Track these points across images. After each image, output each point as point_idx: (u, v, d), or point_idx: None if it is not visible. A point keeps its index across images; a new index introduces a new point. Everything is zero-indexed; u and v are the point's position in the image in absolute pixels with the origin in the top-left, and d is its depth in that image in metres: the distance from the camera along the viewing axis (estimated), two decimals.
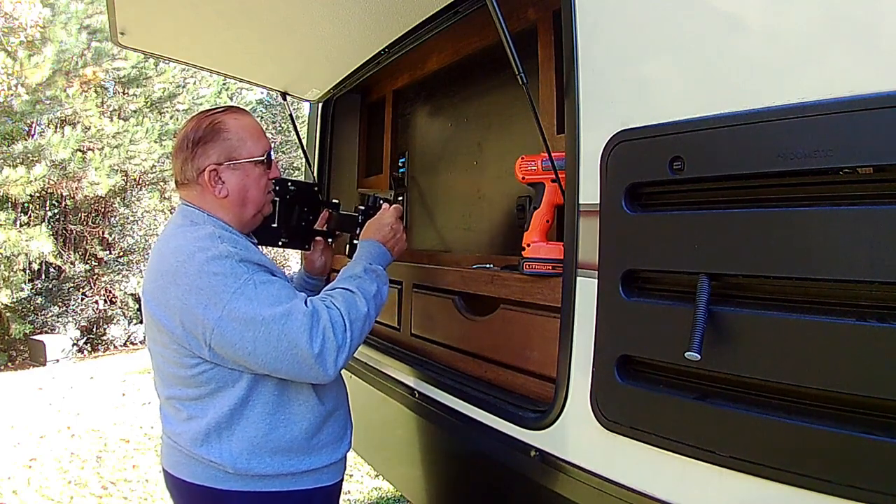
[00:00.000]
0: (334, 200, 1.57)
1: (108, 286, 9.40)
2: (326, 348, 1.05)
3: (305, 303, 1.08)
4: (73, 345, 8.41)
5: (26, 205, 8.88)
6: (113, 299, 9.55)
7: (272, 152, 1.25)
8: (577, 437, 1.00)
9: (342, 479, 1.27)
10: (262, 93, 14.30)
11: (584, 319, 0.97)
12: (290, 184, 1.42)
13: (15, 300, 7.95)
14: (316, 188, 1.49)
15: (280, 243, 1.43)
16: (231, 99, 11.81)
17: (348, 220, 1.47)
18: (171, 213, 11.73)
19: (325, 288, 1.18)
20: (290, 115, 2.24)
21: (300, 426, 1.15)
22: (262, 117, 14.53)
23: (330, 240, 1.54)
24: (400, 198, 1.47)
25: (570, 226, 1.01)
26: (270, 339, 1.02)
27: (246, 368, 1.09)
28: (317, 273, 1.52)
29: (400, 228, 1.33)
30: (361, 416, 1.47)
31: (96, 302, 9.24)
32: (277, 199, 1.31)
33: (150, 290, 1.13)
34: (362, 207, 1.45)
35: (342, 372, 1.23)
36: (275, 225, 1.37)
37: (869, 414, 0.65)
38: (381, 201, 1.42)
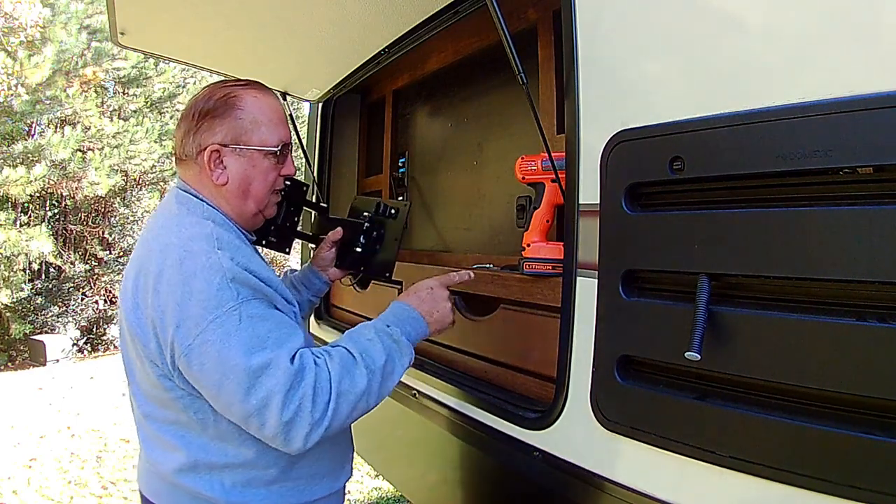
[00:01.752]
0: (322, 204, 1.47)
1: (108, 286, 9.40)
2: (298, 420, 0.86)
3: (294, 358, 0.88)
4: (73, 345, 8.41)
5: (26, 205, 8.88)
6: (113, 299, 9.54)
7: (290, 146, 1.08)
8: (578, 437, 1.00)
9: None
10: None
11: (584, 319, 0.97)
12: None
13: (15, 300, 7.95)
14: (305, 188, 1.35)
15: (264, 242, 1.28)
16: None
17: (352, 228, 1.33)
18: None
19: (334, 341, 0.99)
20: (290, 115, 2.24)
21: (298, 455, 0.97)
22: None
23: (312, 245, 1.41)
24: (408, 202, 1.32)
25: (570, 226, 1.01)
26: (237, 390, 0.85)
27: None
28: (326, 266, 1.35)
29: (443, 295, 1.08)
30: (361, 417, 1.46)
31: (96, 302, 9.24)
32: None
33: (129, 289, 0.97)
34: (367, 214, 1.33)
35: None
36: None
37: (869, 414, 0.65)
38: (392, 209, 1.30)
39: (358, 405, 0.92)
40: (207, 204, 1.01)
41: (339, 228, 1.35)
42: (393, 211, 1.31)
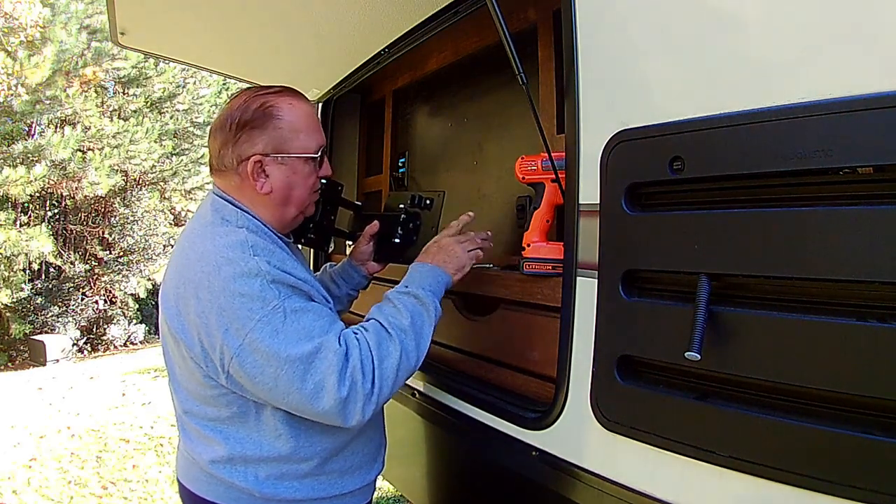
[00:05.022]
0: (357, 202, 1.50)
1: (108, 286, 9.40)
2: (353, 393, 0.91)
3: (339, 340, 0.95)
4: (73, 345, 8.41)
5: (26, 205, 8.88)
6: (113, 299, 9.55)
7: (326, 148, 1.12)
8: (578, 437, 1.00)
9: (371, 500, 1.19)
10: None
11: (584, 319, 0.97)
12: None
13: (15, 300, 7.95)
14: (340, 187, 1.39)
15: (303, 240, 1.31)
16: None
17: (389, 221, 1.36)
18: (172, 212, 11.51)
19: (367, 316, 1.05)
20: None
21: (332, 449, 1.05)
22: None
23: (349, 242, 1.45)
24: (443, 192, 1.37)
25: (570, 226, 1.01)
26: (294, 378, 0.90)
27: (263, 401, 0.98)
28: (364, 260, 1.39)
29: (450, 242, 1.14)
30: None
31: (96, 302, 9.24)
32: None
33: (170, 296, 1.00)
34: (402, 207, 1.36)
35: None
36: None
37: (869, 414, 0.65)
38: (427, 200, 1.33)
39: (400, 367, 0.97)
40: (244, 211, 1.03)
41: (375, 222, 1.38)
42: (428, 201, 1.34)
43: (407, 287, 1.06)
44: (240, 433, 1.01)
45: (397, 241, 1.32)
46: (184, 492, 1.12)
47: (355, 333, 0.97)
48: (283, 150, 1.03)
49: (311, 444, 1.03)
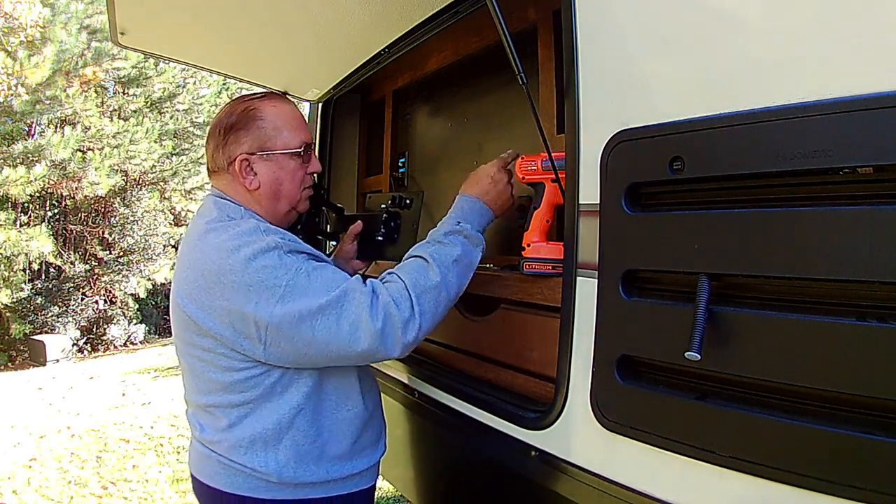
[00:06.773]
0: (339, 205, 1.55)
1: (108, 286, 9.41)
2: (389, 324, 0.97)
3: (364, 282, 1.02)
4: (73, 345, 8.41)
5: (26, 205, 8.88)
6: (113, 299, 9.55)
7: (312, 145, 1.18)
8: (577, 437, 1.00)
9: (376, 482, 1.25)
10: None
11: (584, 319, 0.97)
12: None
13: (15, 300, 7.96)
14: (323, 191, 1.44)
15: None
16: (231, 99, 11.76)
17: (371, 221, 1.41)
18: (172, 212, 11.52)
19: (411, 250, 1.11)
20: None
21: (345, 431, 1.12)
22: None
23: (333, 242, 1.51)
24: (422, 191, 1.44)
25: (570, 226, 1.01)
26: (329, 324, 0.96)
27: (305, 365, 1.03)
28: (349, 258, 1.46)
29: (503, 179, 1.17)
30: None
31: (96, 302, 9.24)
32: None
33: (187, 291, 1.04)
34: (384, 206, 1.42)
35: (374, 373, 1.21)
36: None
37: (869, 414, 0.65)
38: (407, 200, 1.40)
39: (440, 298, 1.03)
40: (244, 209, 1.11)
41: (359, 222, 1.44)
42: (408, 201, 1.40)
43: (459, 223, 1.11)
44: (262, 412, 1.05)
45: (380, 238, 1.38)
46: (199, 487, 1.14)
47: (383, 278, 1.04)
48: (266, 147, 1.11)
49: (325, 424, 1.09)
